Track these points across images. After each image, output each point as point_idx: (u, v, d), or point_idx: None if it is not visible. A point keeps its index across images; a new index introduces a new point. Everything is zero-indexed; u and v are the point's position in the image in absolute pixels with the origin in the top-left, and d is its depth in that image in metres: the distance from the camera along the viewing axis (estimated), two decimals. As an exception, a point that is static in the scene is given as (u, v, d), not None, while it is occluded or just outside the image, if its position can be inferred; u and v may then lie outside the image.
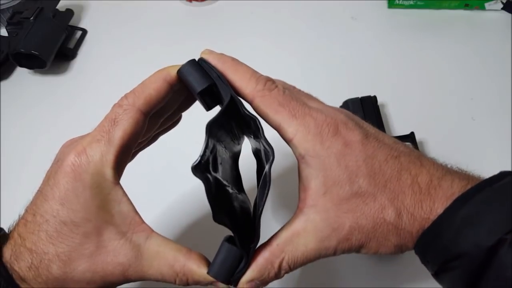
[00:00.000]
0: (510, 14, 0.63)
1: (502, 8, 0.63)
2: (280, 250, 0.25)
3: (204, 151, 0.25)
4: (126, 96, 0.28)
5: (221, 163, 0.28)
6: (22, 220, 0.26)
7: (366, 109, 0.50)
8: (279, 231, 0.27)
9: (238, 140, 0.32)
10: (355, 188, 0.25)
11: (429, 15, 0.64)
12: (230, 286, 0.26)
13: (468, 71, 0.57)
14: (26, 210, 0.27)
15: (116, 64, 0.62)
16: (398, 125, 0.51)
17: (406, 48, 0.60)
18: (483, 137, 0.50)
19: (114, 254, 0.25)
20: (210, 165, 0.26)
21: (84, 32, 0.66)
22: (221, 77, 0.27)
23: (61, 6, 0.65)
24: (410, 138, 0.48)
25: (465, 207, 0.23)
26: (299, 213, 0.26)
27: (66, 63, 0.62)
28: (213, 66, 0.28)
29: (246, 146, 0.34)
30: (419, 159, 0.27)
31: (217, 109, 0.29)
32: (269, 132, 0.26)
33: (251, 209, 0.32)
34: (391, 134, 0.49)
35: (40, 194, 0.26)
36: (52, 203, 0.25)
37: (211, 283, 0.26)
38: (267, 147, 0.25)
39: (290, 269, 0.26)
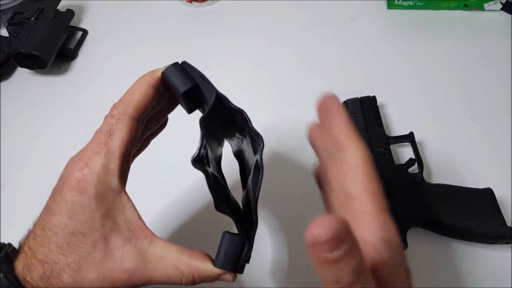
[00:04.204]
0: (509, 15, 0.63)
1: (501, 9, 0.63)
2: None
3: (201, 145, 0.26)
4: (115, 105, 0.29)
5: (211, 162, 0.29)
6: (31, 234, 0.27)
7: (366, 109, 0.50)
8: None
9: (221, 142, 0.33)
10: None
11: (428, 15, 0.64)
12: (236, 275, 0.26)
13: (467, 71, 0.57)
14: (35, 225, 0.27)
15: (117, 64, 0.62)
16: (397, 125, 0.52)
17: (406, 49, 0.61)
18: (483, 137, 0.50)
19: (120, 261, 0.26)
20: (205, 160, 0.27)
21: (85, 32, 0.66)
22: (204, 77, 0.28)
23: (61, 6, 0.65)
24: (409, 138, 0.48)
25: None
26: None
27: (67, 63, 0.62)
28: (195, 69, 0.29)
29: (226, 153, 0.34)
30: None
31: (198, 112, 0.30)
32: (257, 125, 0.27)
33: (241, 205, 0.32)
34: (390, 134, 0.50)
35: (48, 209, 0.27)
36: (60, 217, 0.26)
37: (217, 277, 0.26)
38: (255, 136, 0.26)
39: None
